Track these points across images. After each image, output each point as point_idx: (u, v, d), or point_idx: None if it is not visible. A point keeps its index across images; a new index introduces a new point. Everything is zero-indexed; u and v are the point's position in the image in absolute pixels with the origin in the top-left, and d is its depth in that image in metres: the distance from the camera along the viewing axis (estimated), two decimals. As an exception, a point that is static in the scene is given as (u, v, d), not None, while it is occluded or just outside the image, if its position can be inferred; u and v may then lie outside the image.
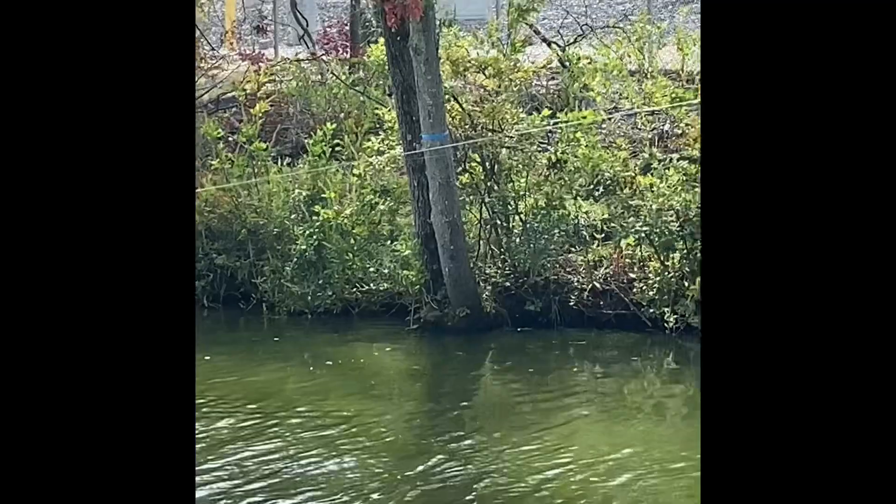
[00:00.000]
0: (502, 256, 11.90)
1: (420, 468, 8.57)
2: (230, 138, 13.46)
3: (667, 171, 11.48)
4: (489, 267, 11.91)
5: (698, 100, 12.47)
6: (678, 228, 11.03)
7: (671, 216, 11.10)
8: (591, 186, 12.02)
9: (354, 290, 12.11)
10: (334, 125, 13.11)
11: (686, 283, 10.79)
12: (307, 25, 17.16)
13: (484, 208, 12.00)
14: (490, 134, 11.94)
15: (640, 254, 11.44)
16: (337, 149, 13.13)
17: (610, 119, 12.95)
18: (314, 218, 12.29)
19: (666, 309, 10.85)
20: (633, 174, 11.78)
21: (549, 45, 14.82)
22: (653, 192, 11.28)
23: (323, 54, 15.84)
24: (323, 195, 12.53)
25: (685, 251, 11.00)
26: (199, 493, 7.71)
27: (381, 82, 14.34)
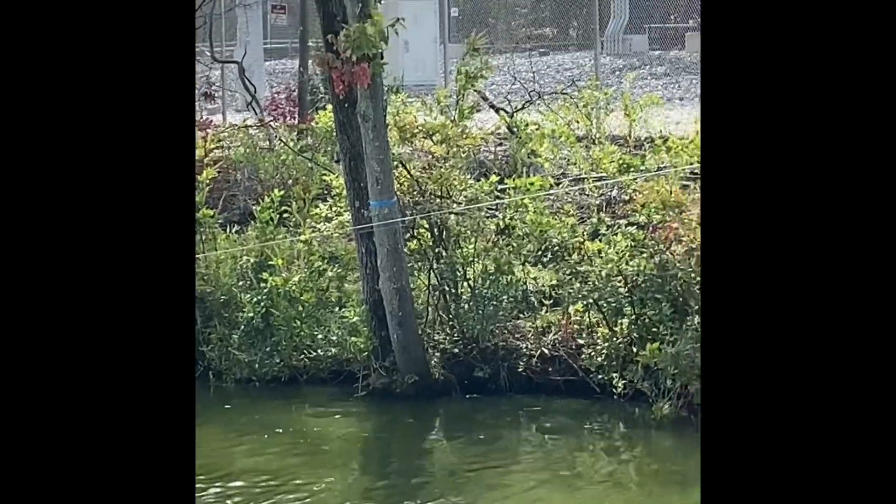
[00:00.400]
0: (451, 323, 11.86)
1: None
2: (177, 205, 13.35)
3: (615, 236, 11.52)
4: (438, 333, 11.87)
5: (645, 165, 12.56)
6: (626, 294, 11.05)
7: (619, 282, 11.11)
8: (540, 252, 12.03)
9: (302, 357, 12.04)
10: (282, 192, 13.07)
11: (634, 349, 10.78)
12: (255, 92, 17.18)
13: (432, 274, 11.98)
14: (438, 200, 11.93)
15: (588, 320, 11.43)
16: (285, 215, 13.09)
17: (558, 185, 12.99)
18: (262, 285, 12.24)
19: (614, 375, 10.83)
20: (582, 240, 11.81)
21: (496, 111, 14.90)
22: (601, 257, 11.31)
23: (271, 120, 15.85)
24: (271, 262, 12.48)
25: (633, 317, 11.01)
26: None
27: (329, 149, 14.34)
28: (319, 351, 11.96)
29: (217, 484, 9.63)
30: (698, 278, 10.79)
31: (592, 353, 11.14)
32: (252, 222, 13.25)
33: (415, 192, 11.92)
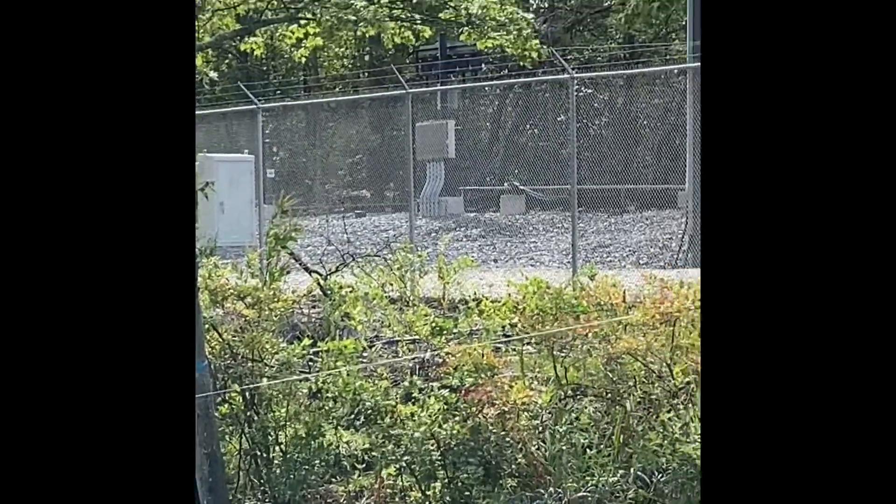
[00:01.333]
0: (262, 488, 11.66)
1: None
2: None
3: (428, 399, 11.49)
4: (249, 499, 11.64)
5: (458, 328, 12.63)
6: (439, 457, 11.00)
7: (432, 445, 11.07)
8: (352, 416, 11.95)
9: (108, 526, 11.66)
10: (90, 355, 12.79)
11: (448, 513, 10.71)
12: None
13: (244, 439, 11.78)
14: (250, 364, 11.80)
15: (401, 483, 11.33)
16: (92, 379, 12.79)
17: (371, 348, 12.96)
18: (66, 451, 11.88)
19: (428, 539, 10.73)
20: (394, 403, 11.76)
21: (310, 273, 14.89)
22: (414, 420, 11.26)
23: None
24: (76, 427, 12.14)
25: (446, 480, 10.96)
26: None
27: (140, 311, 14.13)
28: (126, 519, 11.61)
29: None
30: (510, 440, 10.84)
31: (405, 518, 11.04)
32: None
33: (226, 356, 11.78)
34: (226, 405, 11.79)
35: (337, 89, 42.09)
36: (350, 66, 44.70)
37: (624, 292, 11.51)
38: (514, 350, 12.01)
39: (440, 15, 30.56)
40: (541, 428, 10.89)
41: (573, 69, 23.34)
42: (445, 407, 11.24)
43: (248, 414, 11.83)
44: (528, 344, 11.68)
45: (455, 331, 12.57)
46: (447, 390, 11.51)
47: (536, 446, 10.77)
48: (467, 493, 10.77)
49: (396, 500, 11.28)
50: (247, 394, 11.88)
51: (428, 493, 11.04)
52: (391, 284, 14.76)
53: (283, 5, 30.13)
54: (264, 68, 43.55)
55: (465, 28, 29.90)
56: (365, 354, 12.66)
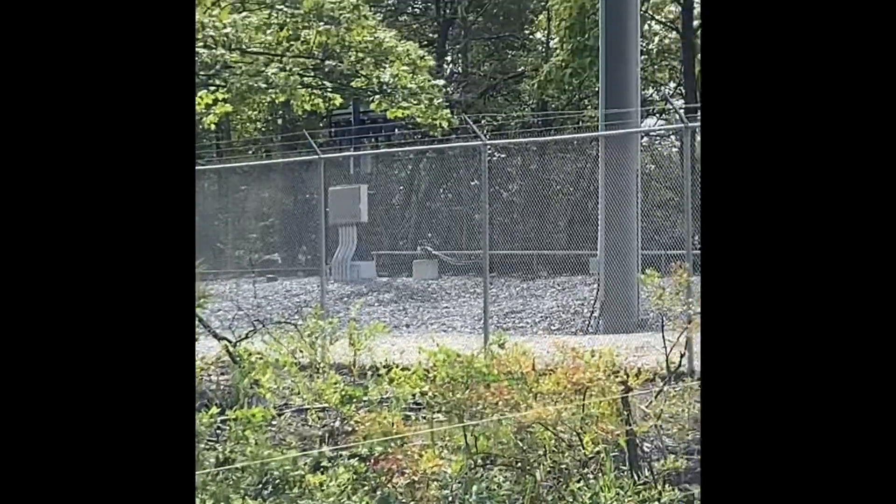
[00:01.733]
0: (167, 560, 11.43)
1: None
2: None
3: (337, 469, 11.36)
4: (153, 572, 11.41)
5: (368, 396, 12.52)
6: (348, 527, 10.87)
7: (341, 515, 10.93)
8: (260, 486, 11.77)
9: None
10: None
11: (356, 585, 10.56)
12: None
13: (149, 510, 11.56)
14: (156, 432, 11.61)
15: (309, 554, 11.17)
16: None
17: (280, 416, 12.82)
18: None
19: None
20: (303, 473, 11.61)
21: (219, 339, 14.73)
22: (322, 490, 11.11)
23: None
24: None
25: (355, 551, 10.81)
26: None
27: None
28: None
29: None
30: (420, 511, 10.73)
31: (313, 590, 10.86)
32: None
33: (131, 424, 11.59)
34: (131, 475, 11.57)
35: (249, 153, 41.99)
36: (263, 129, 44.62)
37: (534, 360, 11.48)
38: (425, 418, 11.93)
39: (352, 83, 30.60)
40: (451, 497, 10.79)
41: (486, 135, 23.44)
42: (355, 476, 11.11)
43: (154, 484, 11.61)
44: (438, 412, 11.59)
45: (365, 399, 12.47)
46: (356, 459, 11.38)
47: (446, 516, 10.67)
48: (376, 564, 10.64)
49: (304, 571, 11.11)
50: (152, 463, 11.68)
51: (336, 564, 10.88)
52: (301, 351, 14.63)
53: (194, 69, 29.99)
54: (176, 131, 43.30)
55: (377, 96, 29.95)
56: (274, 423, 12.51)
